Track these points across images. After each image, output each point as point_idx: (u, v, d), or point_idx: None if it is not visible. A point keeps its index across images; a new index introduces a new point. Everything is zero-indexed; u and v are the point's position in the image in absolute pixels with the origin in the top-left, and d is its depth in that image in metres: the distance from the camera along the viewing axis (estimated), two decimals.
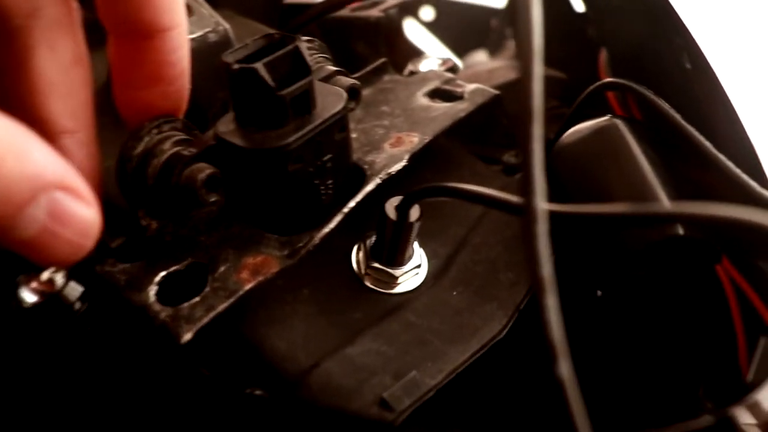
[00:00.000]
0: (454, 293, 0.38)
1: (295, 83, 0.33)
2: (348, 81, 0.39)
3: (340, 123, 0.35)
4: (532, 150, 0.24)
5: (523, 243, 0.24)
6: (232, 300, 0.32)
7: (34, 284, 0.33)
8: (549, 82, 0.56)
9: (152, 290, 0.33)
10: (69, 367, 0.35)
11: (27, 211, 0.25)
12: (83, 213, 0.27)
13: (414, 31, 0.80)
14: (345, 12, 0.50)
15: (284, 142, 0.33)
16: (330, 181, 0.36)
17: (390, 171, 0.37)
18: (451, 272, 0.38)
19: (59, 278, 0.33)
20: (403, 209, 0.35)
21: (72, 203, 0.27)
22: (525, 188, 0.24)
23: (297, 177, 0.34)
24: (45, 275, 0.33)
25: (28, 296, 0.32)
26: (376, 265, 0.37)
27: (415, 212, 0.36)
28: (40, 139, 0.25)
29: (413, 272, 0.38)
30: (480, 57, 0.70)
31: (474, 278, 0.38)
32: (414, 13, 0.81)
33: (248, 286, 0.33)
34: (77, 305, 0.33)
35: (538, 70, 0.25)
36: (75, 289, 0.33)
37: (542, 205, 0.24)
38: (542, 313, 0.23)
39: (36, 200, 0.25)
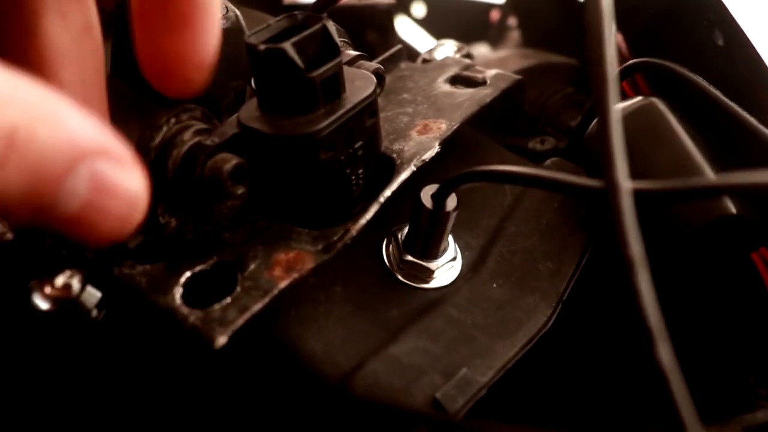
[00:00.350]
0: (494, 286, 0.36)
1: (324, 65, 0.31)
2: (372, 65, 0.36)
3: (370, 108, 0.33)
4: (609, 124, 0.23)
5: (611, 221, 0.22)
6: (267, 300, 0.30)
7: (48, 290, 0.30)
8: (562, 69, 0.55)
9: (178, 292, 0.30)
10: (86, 378, 0.33)
11: (67, 184, 0.22)
12: (129, 181, 0.24)
13: (405, 28, 0.78)
14: (353, 1, 0.48)
15: (316, 128, 0.31)
16: (361, 170, 0.34)
17: (424, 158, 0.35)
18: (488, 264, 0.36)
19: (75, 283, 0.31)
20: (439, 198, 0.33)
21: (116, 171, 0.24)
22: (606, 165, 0.22)
23: (329, 166, 0.32)
24: (60, 280, 0.30)
25: (42, 303, 0.30)
26: (410, 258, 0.35)
27: (452, 201, 0.34)
28: (72, 103, 0.22)
29: (449, 265, 0.36)
30: (479, 50, 0.68)
31: (513, 269, 0.36)
32: (406, 9, 0.79)
33: (283, 284, 0.30)
34: (95, 312, 0.31)
35: (610, 33, 0.23)
36: (93, 295, 0.31)
37: (626, 181, 0.22)
38: (636, 296, 0.21)
39: (76, 171, 0.22)
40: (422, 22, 0.79)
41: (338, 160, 0.32)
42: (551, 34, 0.59)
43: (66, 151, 0.21)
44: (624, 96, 0.45)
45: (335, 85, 0.32)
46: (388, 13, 0.47)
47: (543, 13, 0.59)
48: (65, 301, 0.30)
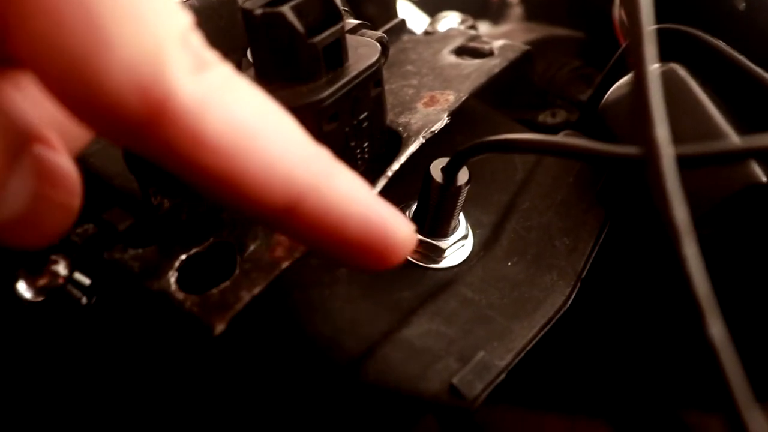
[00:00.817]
0: (509, 264, 0.34)
1: (325, 30, 0.29)
2: (375, 33, 0.34)
3: (375, 76, 0.31)
4: (647, 84, 0.21)
5: (650, 187, 0.20)
6: (267, 281, 0.28)
7: (34, 278, 0.28)
8: (568, 42, 0.53)
9: (172, 276, 0.28)
10: (78, 368, 0.30)
11: (12, 177, 0.20)
12: (67, 164, 0.22)
13: (399, 6, 0.76)
14: None
15: (318, 97, 0.28)
16: (366, 144, 0.32)
17: (433, 129, 0.33)
18: (502, 241, 0.34)
19: (62, 269, 0.29)
20: (451, 171, 0.31)
21: (55, 155, 0.22)
22: (646, 128, 0.20)
23: (332, 138, 0.30)
24: (47, 267, 0.28)
25: (28, 292, 0.28)
26: (419, 237, 0.33)
27: (464, 175, 0.31)
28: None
29: (460, 243, 0.34)
30: (480, 28, 0.66)
31: (528, 247, 0.34)
32: None
33: (285, 264, 0.28)
34: (84, 300, 0.29)
35: None
36: (81, 282, 0.29)
37: (668, 146, 0.20)
38: (683, 265, 0.19)
39: (19, 161, 0.20)
40: (416, 1, 0.77)
41: (342, 132, 0.30)
42: (555, 8, 0.57)
43: (7, 139, 0.20)
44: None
45: (338, 52, 0.30)
46: None
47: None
48: (52, 289, 0.28)
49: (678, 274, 0.19)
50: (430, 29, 0.44)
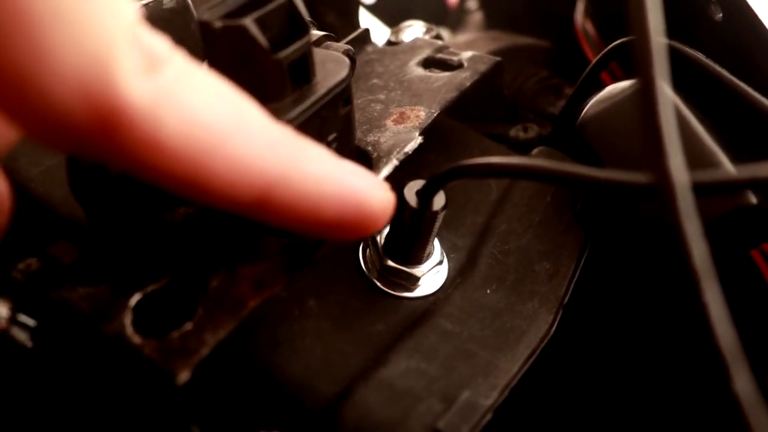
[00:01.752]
0: (488, 291, 0.32)
1: (291, 45, 0.26)
2: (341, 46, 0.32)
3: (344, 94, 0.29)
4: (658, 106, 0.19)
5: (667, 226, 0.18)
6: (234, 323, 0.25)
7: None
8: (534, 51, 0.51)
9: (127, 317, 0.25)
10: (25, 418, 0.27)
11: None
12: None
13: None
14: None
15: (284, 118, 0.26)
16: None
17: (406, 150, 0.31)
18: (479, 267, 0.33)
19: (3, 312, 0.26)
20: (426, 195, 0.29)
21: None
22: (657, 158, 0.19)
23: None
24: None
25: None
26: (392, 264, 0.31)
27: (440, 199, 0.29)
28: None
29: (435, 270, 0.32)
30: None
31: (507, 272, 0.33)
32: None
33: (253, 303, 0.26)
34: (30, 344, 0.26)
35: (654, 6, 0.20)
36: (26, 324, 0.26)
37: (682, 173, 0.18)
38: (704, 312, 0.17)
39: None
40: (372, 9, 0.75)
41: None
42: (517, 15, 0.55)
43: None
44: (603, 83, 0.42)
45: (304, 68, 0.27)
46: None
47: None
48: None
49: (698, 320, 0.17)
50: (394, 39, 0.42)
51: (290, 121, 0.26)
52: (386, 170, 0.30)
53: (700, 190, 0.20)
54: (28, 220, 0.31)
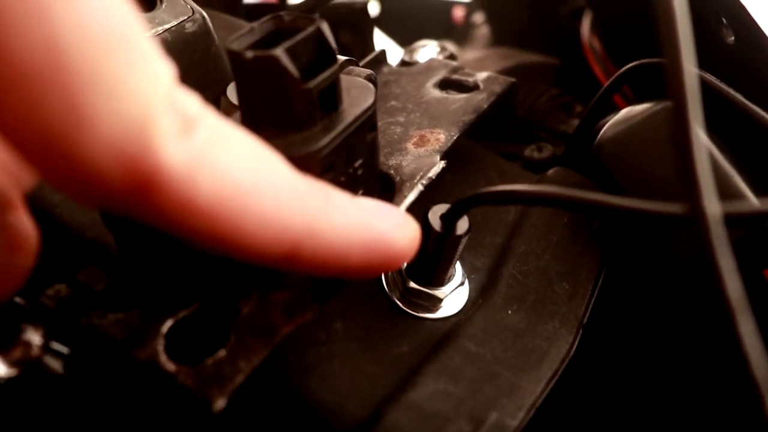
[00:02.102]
0: (509, 312, 0.32)
1: (320, 73, 0.27)
2: (363, 71, 0.33)
3: (370, 121, 0.29)
4: (693, 138, 0.19)
5: (704, 257, 0.19)
6: (267, 350, 0.25)
7: (6, 351, 0.25)
8: (544, 69, 0.52)
9: (160, 344, 0.26)
10: None
11: None
12: (27, 224, 0.22)
13: None
14: None
15: (315, 147, 0.26)
16: (361, 192, 0.30)
17: (430, 176, 0.31)
18: (500, 288, 0.33)
19: (36, 339, 0.26)
20: (450, 220, 0.30)
21: (18, 217, 0.21)
22: (691, 190, 0.19)
23: None
24: (20, 337, 0.26)
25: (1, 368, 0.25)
26: (415, 286, 0.32)
27: (463, 224, 0.30)
28: None
29: (456, 291, 0.32)
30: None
31: (527, 293, 0.33)
32: None
33: (286, 330, 0.26)
34: (62, 370, 0.26)
35: (686, 28, 0.20)
36: (59, 351, 0.26)
37: (716, 209, 0.19)
38: (740, 344, 0.18)
39: None
40: (378, 23, 0.75)
41: (338, 182, 0.28)
42: (521, 30, 0.56)
43: None
44: (615, 105, 0.43)
45: (332, 96, 0.28)
46: (365, 12, 0.43)
47: (513, 8, 0.56)
48: (28, 362, 0.25)
49: (733, 351, 0.18)
50: (408, 58, 0.43)
51: (321, 149, 0.27)
52: (412, 196, 0.30)
53: (730, 222, 0.20)
54: (54, 246, 0.32)
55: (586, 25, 0.52)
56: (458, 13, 0.67)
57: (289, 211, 0.21)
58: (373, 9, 0.75)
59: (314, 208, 0.22)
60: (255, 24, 0.27)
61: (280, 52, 0.25)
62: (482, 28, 0.60)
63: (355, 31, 0.43)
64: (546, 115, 0.44)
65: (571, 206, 0.26)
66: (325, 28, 0.27)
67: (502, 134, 0.41)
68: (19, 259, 0.22)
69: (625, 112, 0.35)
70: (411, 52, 0.43)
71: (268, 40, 0.27)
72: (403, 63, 0.42)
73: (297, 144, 0.27)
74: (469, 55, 0.54)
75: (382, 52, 0.40)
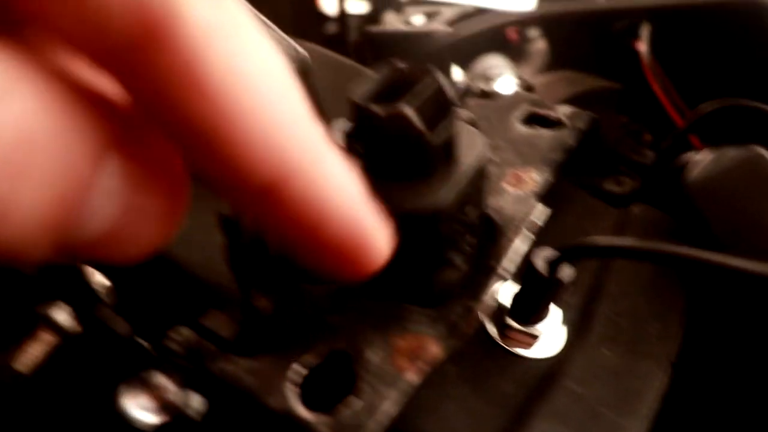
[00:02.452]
0: (605, 352, 0.33)
1: (439, 126, 0.27)
2: (464, 113, 0.33)
3: (483, 169, 0.30)
4: None
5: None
6: (403, 400, 0.26)
7: (144, 398, 0.26)
8: (609, 94, 0.53)
9: (292, 391, 0.27)
10: None
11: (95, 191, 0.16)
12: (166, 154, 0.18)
13: None
14: (398, 26, 0.44)
15: (440, 199, 0.27)
16: (470, 237, 0.31)
17: (539, 223, 0.32)
18: (595, 327, 0.34)
19: (171, 385, 0.27)
20: (556, 266, 0.31)
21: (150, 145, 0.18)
22: None
23: (448, 237, 0.29)
24: (153, 381, 0.26)
25: (146, 416, 0.26)
26: (516, 325, 0.33)
27: (569, 270, 0.31)
28: None
29: (554, 330, 0.33)
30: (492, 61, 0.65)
31: (620, 332, 0.34)
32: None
33: (413, 378, 0.27)
34: (199, 417, 0.27)
35: None
36: (196, 400, 0.27)
37: None
38: None
39: (102, 165, 0.16)
40: None
41: (453, 230, 0.29)
42: (580, 49, 0.57)
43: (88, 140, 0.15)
44: (691, 146, 0.43)
45: (449, 147, 0.28)
46: (446, 45, 0.43)
47: (570, 28, 0.57)
48: (174, 409, 0.26)
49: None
50: (485, 87, 0.43)
51: (447, 199, 0.27)
52: (524, 246, 0.31)
53: None
54: (168, 284, 0.33)
55: (643, 46, 0.53)
56: (511, 32, 0.67)
57: (293, 136, 0.18)
58: (418, 21, 0.75)
59: (315, 146, 0.19)
60: (371, 72, 0.28)
61: (410, 112, 0.26)
62: (538, 43, 0.61)
63: (435, 64, 0.43)
64: (618, 144, 0.45)
65: (687, 264, 0.26)
66: (444, 81, 0.28)
67: (580, 166, 0.42)
68: (167, 205, 0.18)
69: (717, 155, 0.35)
70: (488, 82, 0.43)
71: (391, 92, 0.28)
72: (483, 94, 0.43)
73: (422, 196, 0.27)
74: (537, 80, 0.55)
75: (467, 87, 0.41)
